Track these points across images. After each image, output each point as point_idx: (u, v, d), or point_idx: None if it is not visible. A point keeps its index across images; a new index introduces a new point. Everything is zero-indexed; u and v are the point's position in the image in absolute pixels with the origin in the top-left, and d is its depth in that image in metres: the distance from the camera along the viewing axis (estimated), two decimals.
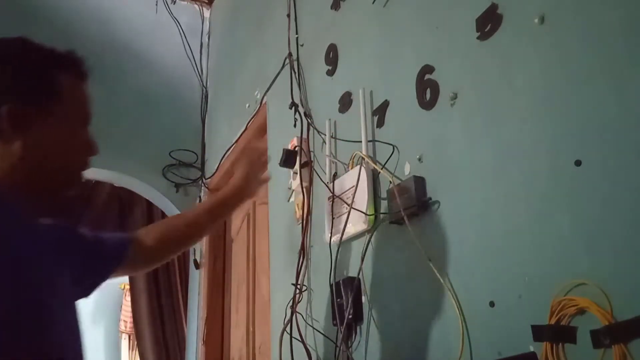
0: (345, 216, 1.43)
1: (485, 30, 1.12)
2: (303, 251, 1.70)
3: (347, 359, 1.39)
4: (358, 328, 1.39)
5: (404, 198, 1.24)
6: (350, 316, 1.37)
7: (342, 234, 1.43)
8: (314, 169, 1.76)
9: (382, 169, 1.37)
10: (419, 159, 1.27)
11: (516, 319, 0.96)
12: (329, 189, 1.52)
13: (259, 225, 2.50)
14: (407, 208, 1.22)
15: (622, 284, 0.81)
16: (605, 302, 0.82)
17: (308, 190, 1.75)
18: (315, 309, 1.61)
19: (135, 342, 4.26)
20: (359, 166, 1.42)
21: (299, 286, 1.65)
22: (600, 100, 0.88)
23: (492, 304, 1.02)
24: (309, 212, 1.73)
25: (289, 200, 1.91)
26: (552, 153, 0.95)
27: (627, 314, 0.79)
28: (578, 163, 0.90)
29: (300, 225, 1.75)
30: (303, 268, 1.68)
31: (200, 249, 3.10)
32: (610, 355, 0.79)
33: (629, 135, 0.83)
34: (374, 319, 1.34)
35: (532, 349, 0.92)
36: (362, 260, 1.37)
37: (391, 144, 1.36)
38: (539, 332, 0.92)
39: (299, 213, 1.78)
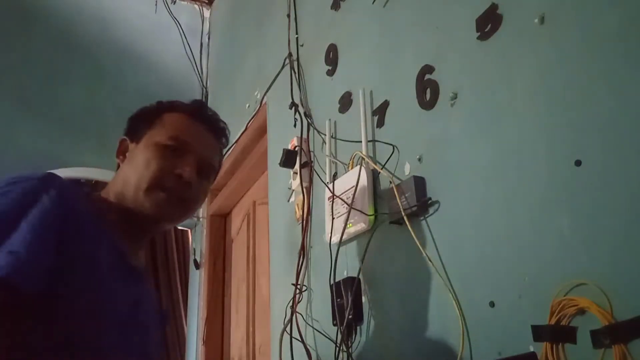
0: (345, 216, 1.42)
1: (486, 30, 1.13)
2: (303, 251, 1.70)
3: (347, 359, 1.39)
4: (358, 328, 1.39)
5: (404, 198, 1.24)
6: (350, 316, 1.37)
7: (342, 234, 1.42)
8: (314, 169, 1.76)
9: (382, 169, 1.37)
10: (419, 159, 1.27)
11: (516, 319, 0.96)
12: (329, 189, 1.52)
13: (259, 225, 2.50)
14: (407, 208, 1.22)
15: (622, 284, 0.81)
16: (605, 302, 0.82)
17: (308, 191, 1.75)
18: (315, 309, 1.61)
19: None
20: (359, 166, 1.42)
21: (299, 286, 1.65)
22: (599, 100, 0.88)
23: (492, 304, 1.02)
24: (309, 212, 1.73)
25: (289, 201, 1.91)
26: (552, 153, 0.95)
27: (627, 314, 0.79)
28: (578, 163, 0.90)
29: (300, 225, 1.75)
30: (303, 268, 1.68)
31: (200, 249, 3.10)
32: (611, 355, 0.79)
33: (628, 135, 0.83)
34: (374, 319, 1.34)
35: (532, 349, 0.92)
36: (362, 260, 1.37)
37: (391, 144, 1.36)
38: (539, 332, 0.92)
39: (299, 213, 1.78)
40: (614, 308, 0.81)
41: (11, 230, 0.77)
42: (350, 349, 1.39)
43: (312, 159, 1.77)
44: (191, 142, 1.06)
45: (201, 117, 1.11)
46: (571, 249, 0.89)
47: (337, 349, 1.40)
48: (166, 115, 1.09)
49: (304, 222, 1.71)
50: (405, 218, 1.22)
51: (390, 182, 1.30)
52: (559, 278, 0.90)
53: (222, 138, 1.16)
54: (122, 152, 1.10)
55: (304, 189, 1.74)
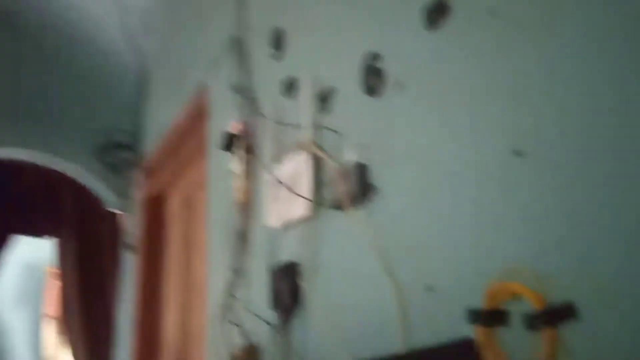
0: (286, 201, 1.42)
1: (433, 19, 1.14)
2: (242, 236, 1.68)
3: (285, 344, 1.39)
4: (297, 314, 1.39)
5: (346, 184, 1.25)
6: (289, 302, 1.37)
7: (283, 219, 1.42)
8: (255, 153, 1.74)
9: (325, 154, 1.37)
10: (363, 146, 1.27)
11: (455, 303, 0.99)
12: (271, 174, 1.51)
13: (197, 209, 2.46)
14: (349, 194, 1.23)
15: (555, 270, 0.84)
16: (538, 287, 0.85)
17: (249, 174, 1.73)
18: (254, 294, 1.60)
19: (62, 327, 4.11)
20: (302, 151, 1.41)
21: (237, 271, 1.63)
22: (546, 92, 0.91)
23: (430, 288, 1.04)
24: (250, 197, 1.71)
25: (228, 184, 1.88)
26: (493, 142, 0.97)
27: (559, 299, 0.82)
28: (518, 153, 0.93)
29: (241, 209, 1.73)
30: (242, 253, 1.66)
31: (134, 232, 3.02)
32: (541, 337, 0.83)
33: (570, 124, 0.86)
34: (313, 305, 1.34)
35: (470, 334, 0.95)
36: (303, 245, 1.37)
37: (335, 130, 1.37)
38: (474, 316, 0.94)
39: (239, 197, 1.76)
40: (547, 293, 0.84)
41: None
42: (288, 335, 1.39)
43: (254, 143, 1.76)
44: None
45: None
46: (508, 236, 0.92)
47: (275, 334, 1.40)
48: None
49: (245, 206, 1.69)
50: (346, 204, 1.23)
51: (333, 168, 1.30)
52: (496, 264, 0.93)
53: None
54: None
55: (245, 173, 1.72)
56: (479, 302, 0.93)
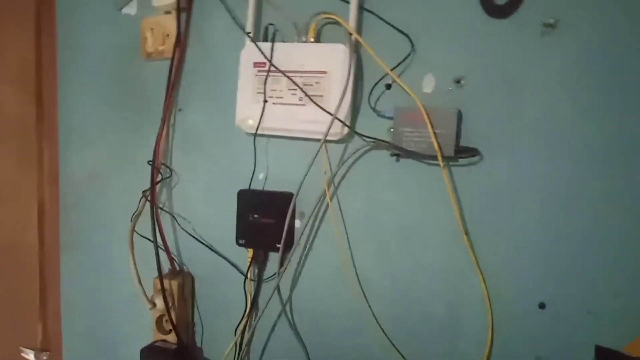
0: (292, 107, 0.96)
1: None
2: (166, 116, 1.09)
3: (255, 289, 1.05)
4: (285, 257, 1.03)
5: (438, 132, 0.88)
6: (280, 244, 1.01)
7: (276, 128, 0.97)
8: None
9: (391, 70, 0.92)
10: (458, 82, 0.89)
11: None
12: (262, 52, 0.97)
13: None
14: (443, 148, 0.88)
15: None
16: None
17: (188, 10, 1.08)
18: (194, 209, 1.12)
19: None
20: (340, 44, 0.93)
21: (158, 168, 1.09)
22: None
23: (542, 306, 0.88)
24: (181, 48, 1.07)
25: (121, 10, 1.15)
26: None
27: None
28: None
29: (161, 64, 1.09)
30: (162, 141, 1.10)
31: None
32: None
33: None
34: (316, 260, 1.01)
35: None
36: (316, 177, 0.98)
37: (403, 32, 0.92)
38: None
39: (151, 46, 1.10)
40: None
41: None
42: (261, 280, 1.05)
43: None
44: None
45: None
46: None
47: (245, 278, 1.04)
48: None
49: (173, 66, 1.07)
50: (440, 159, 0.88)
51: (417, 102, 0.90)
52: None
53: None
54: None
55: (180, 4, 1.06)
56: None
